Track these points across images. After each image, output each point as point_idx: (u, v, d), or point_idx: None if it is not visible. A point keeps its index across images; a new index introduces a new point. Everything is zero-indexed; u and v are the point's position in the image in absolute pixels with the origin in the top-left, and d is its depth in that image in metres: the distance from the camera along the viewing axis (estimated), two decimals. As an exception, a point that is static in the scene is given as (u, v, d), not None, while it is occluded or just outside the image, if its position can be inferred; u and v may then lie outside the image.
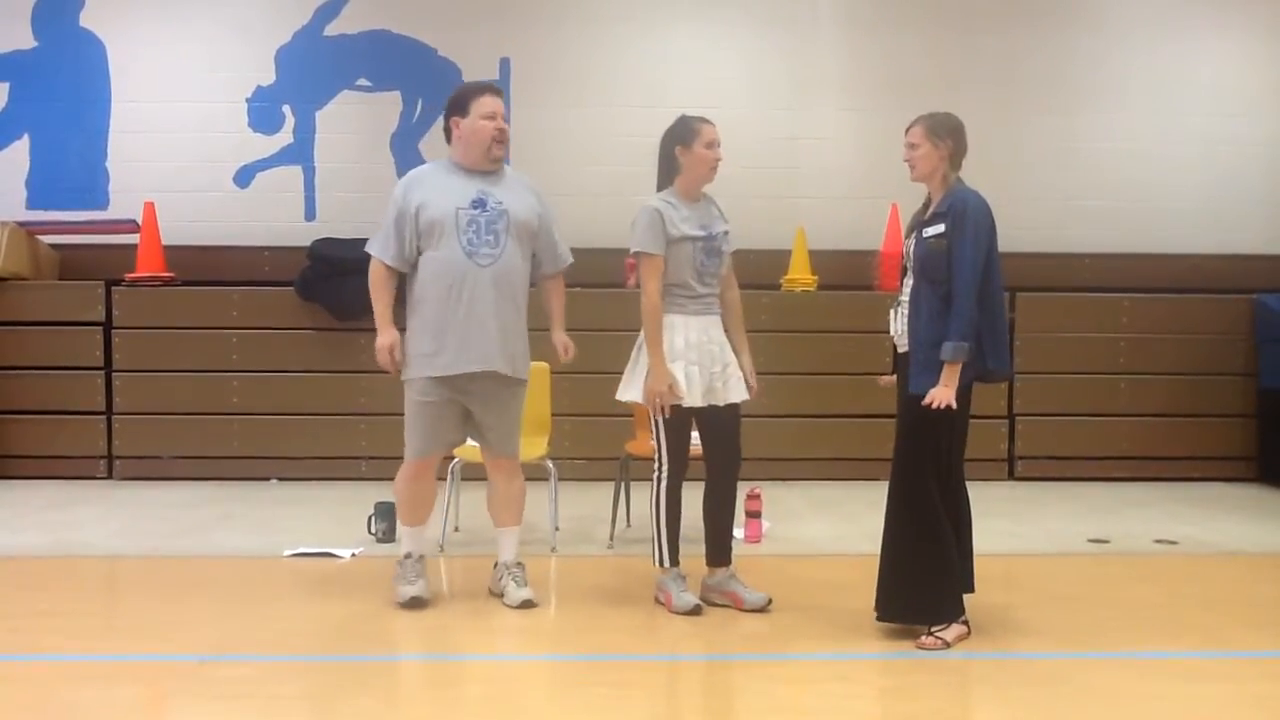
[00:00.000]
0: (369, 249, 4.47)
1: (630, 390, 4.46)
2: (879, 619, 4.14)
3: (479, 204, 4.36)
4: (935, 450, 3.98)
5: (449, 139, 4.50)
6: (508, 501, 4.65)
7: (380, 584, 4.71)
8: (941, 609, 4.02)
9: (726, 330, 4.56)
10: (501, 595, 4.57)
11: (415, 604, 4.45)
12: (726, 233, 4.49)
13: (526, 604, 4.49)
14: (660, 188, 4.45)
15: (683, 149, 4.37)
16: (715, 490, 4.53)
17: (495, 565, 4.69)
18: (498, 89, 4.51)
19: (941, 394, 3.85)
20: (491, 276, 4.35)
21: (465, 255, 4.32)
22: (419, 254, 4.40)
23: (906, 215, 4.54)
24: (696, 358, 4.33)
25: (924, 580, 3.99)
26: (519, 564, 4.63)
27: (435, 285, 4.35)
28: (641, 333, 4.41)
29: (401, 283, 4.49)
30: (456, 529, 5.83)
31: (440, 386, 4.39)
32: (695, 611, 4.27)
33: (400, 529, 4.68)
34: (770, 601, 4.59)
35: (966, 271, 3.85)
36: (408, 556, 4.58)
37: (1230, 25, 8.97)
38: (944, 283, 3.88)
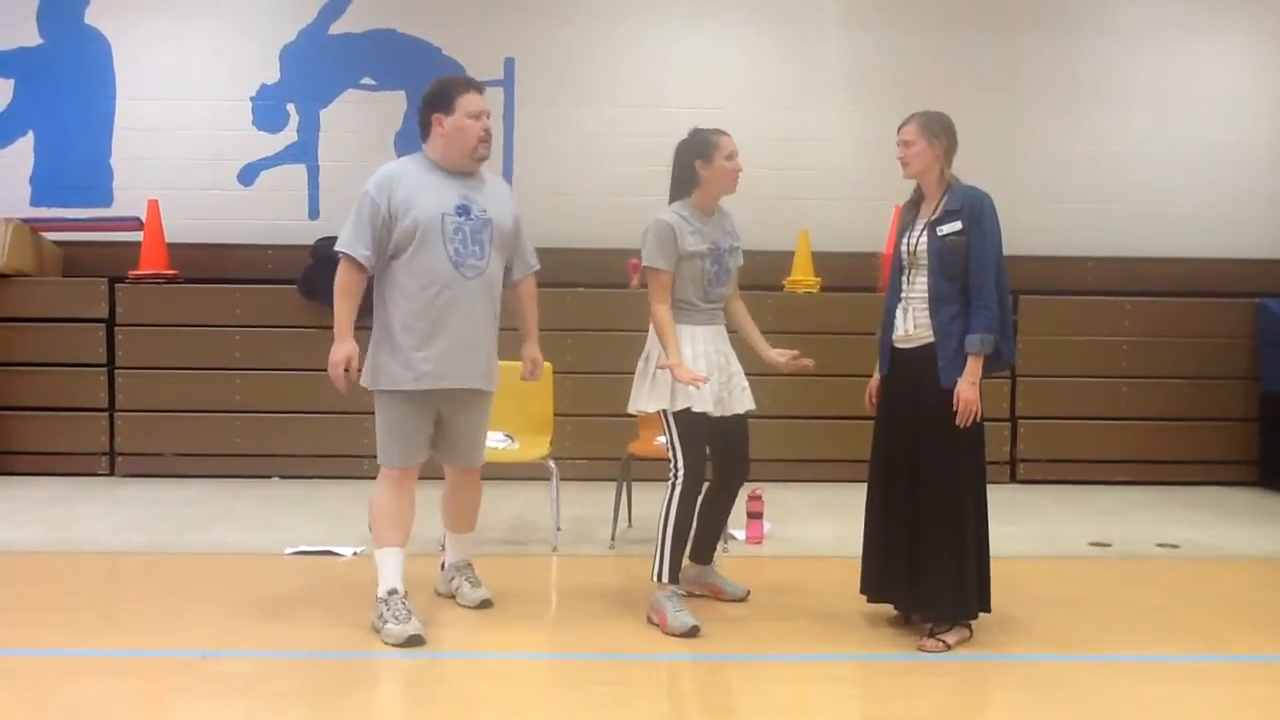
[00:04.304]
0: (340, 248, 4.12)
1: (640, 401, 4.38)
2: (932, 617, 4.13)
3: (463, 211, 4.14)
4: (964, 445, 4.03)
5: (425, 135, 4.26)
6: (468, 508, 4.54)
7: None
8: (968, 606, 4.04)
9: (742, 333, 4.54)
10: (454, 596, 4.51)
11: (414, 642, 3.98)
12: (736, 248, 4.42)
13: (485, 604, 4.43)
14: (673, 199, 4.36)
15: (703, 163, 4.27)
16: (717, 496, 4.50)
17: (443, 566, 4.65)
18: (481, 85, 4.31)
19: (967, 391, 3.92)
20: (478, 289, 4.16)
21: (452, 266, 4.09)
22: (393, 258, 4.13)
23: (910, 217, 4.53)
24: (704, 367, 4.24)
25: (966, 577, 4.01)
26: (469, 564, 4.57)
27: (417, 295, 4.09)
28: (648, 345, 4.37)
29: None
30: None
31: (416, 398, 4.15)
32: (692, 634, 4.10)
33: (379, 555, 4.20)
34: (749, 593, 4.62)
35: (989, 267, 3.95)
36: (393, 594, 4.11)
37: (1234, 29, 8.97)
38: (961, 277, 3.97)
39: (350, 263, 4.10)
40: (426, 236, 4.08)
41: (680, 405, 4.22)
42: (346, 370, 4.08)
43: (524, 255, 4.52)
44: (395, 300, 4.14)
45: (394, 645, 3.97)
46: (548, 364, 5.89)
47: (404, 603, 4.11)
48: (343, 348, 4.07)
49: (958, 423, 3.95)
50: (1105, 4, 8.95)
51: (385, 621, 4.04)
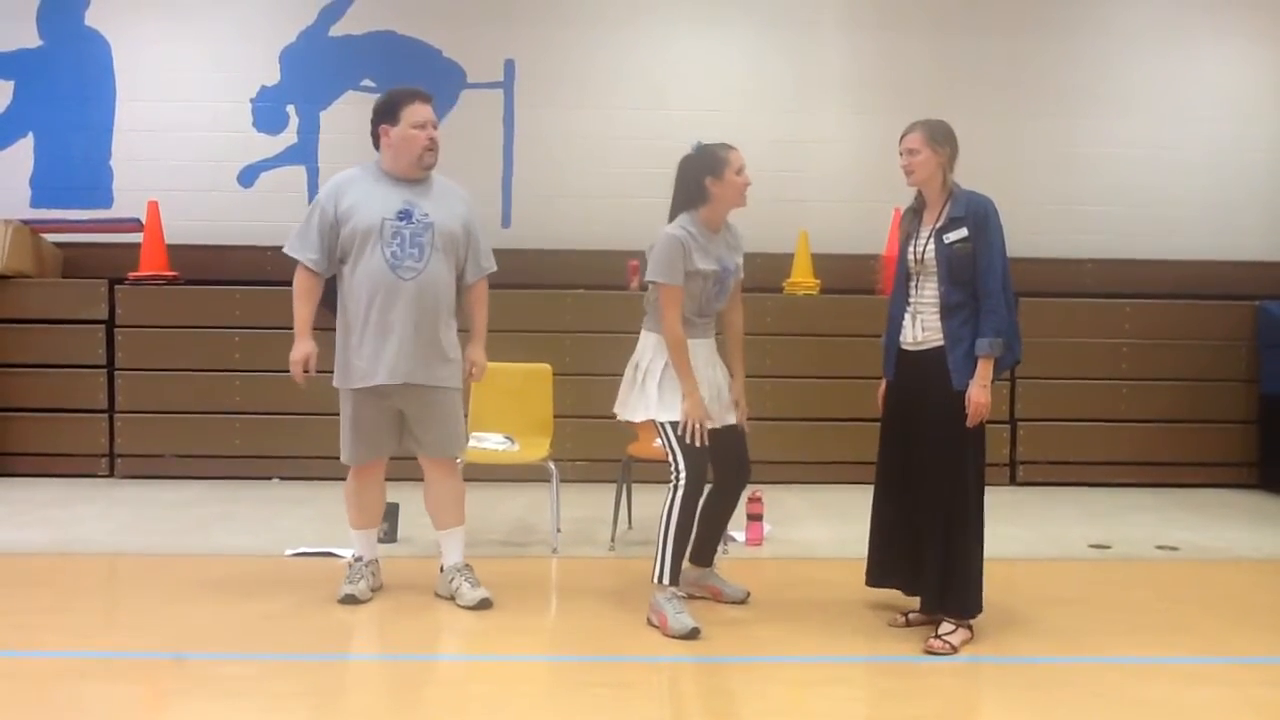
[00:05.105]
0: (289, 251, 4.43)
1: (627, 410, 4.39)
2: (936, 612, 4.14)
3: (405, 215, 4.32)
4: (976, 443, 4.10)
5: (376, 145, 4.45)
6: (448, 501, 4.59)
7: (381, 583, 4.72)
8: (975, 603, 4.09)
9: (723, 352, 4.52)
10: (453, 598, 4.51)
11: (349, 601, 4.47)
12: (739, 266, 4.42)
13: (484, 603, 4.44)
14: (675, 213, 4.32)
15: (714, 179, 4.23)
16: (718, 500, 4.51)
17: (441, 569, 4.64)
18: (428, 95, 4.43)
19: (978, 395, 3.99)
20: (414, 289, 4.31)
21: (389, 268, 4.28)
22: (341, 263, 4.38)
23: (910, 220, 4.54)
24: (700, 379, 4.26)
25: (972, 575, 4.07)
26: (467, 565, 4.59)
27: (357, 296, 4.34)
28: (637, 353, 4.39)
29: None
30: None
31: (368, 396, 4.38)
32: (693, 636, 4.09)
33: (351, 533, 4.70)
34: (749, 595, 4.62)
35: (997, 273, 4.01)
36: (357, 559, 4.64)
37: (1233, 31, 8.97)
38: (970, 283, 4.03)
39: (303, 267, 4.43)
40: (366, 240, 4.32)
41: (666, 417, 4.24)
42: (307, 371, 4.40)
43: (477, 259, 4.59)
44: (343, 302, 4.43)
45: (338, 600, 4.48)
46: (548, 365, 5.92)
47: (366, 567, 4.61)
48: (301, 347, 4.42)
49: (968, 425, 3.99)
50: (1104, 7, 8.96)
51: (344, 581, 4.55)
